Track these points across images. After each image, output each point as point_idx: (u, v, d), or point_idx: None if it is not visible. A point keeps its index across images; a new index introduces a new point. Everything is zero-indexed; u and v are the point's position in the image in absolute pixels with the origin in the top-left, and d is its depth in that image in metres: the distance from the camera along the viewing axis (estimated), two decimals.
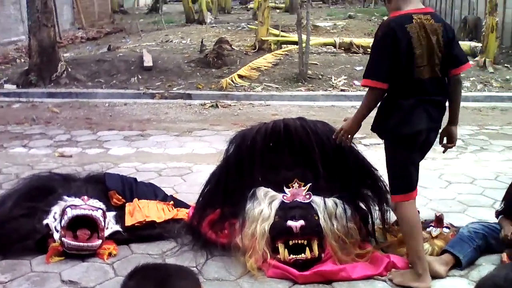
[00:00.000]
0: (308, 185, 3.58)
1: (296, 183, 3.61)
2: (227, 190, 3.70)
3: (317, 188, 3.58)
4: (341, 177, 3.66)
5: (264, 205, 3.48)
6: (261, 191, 3.57)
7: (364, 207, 3.69)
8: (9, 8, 16.97)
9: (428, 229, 3.58)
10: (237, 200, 3.63)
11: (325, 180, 3.62)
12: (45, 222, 3.67)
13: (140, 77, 10.23)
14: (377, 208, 3.70)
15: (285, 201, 3.50)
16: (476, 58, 11.18)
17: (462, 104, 8.47)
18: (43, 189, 4.04)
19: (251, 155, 3.70)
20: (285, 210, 3.43)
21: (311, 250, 3.30)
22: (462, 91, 9.15)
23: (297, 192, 3.56)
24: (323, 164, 3.64)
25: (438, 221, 3.60)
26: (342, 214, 3.47)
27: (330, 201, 3.50)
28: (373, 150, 5.92)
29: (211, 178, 3.81)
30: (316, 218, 3.39)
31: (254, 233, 3.41)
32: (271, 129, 3.75)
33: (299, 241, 3.31)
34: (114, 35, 19.05)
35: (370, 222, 3.67)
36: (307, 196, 3.52)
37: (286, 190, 3.58)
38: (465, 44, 12.46)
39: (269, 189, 3.58)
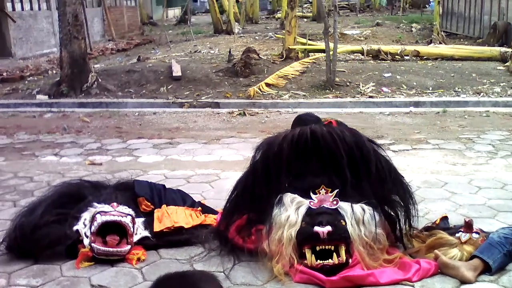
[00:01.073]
0: (335, 191, 3.57)
1: (323, 189, 3.60)
2: (254, 196, 3.71)
3: (344, 194, 3.56)
4: (368, 184, 3.64)
5: (291, 211, 3.48)
6: (288, 197, 3.56)
7: (392, 213, 3.66)
8: (42, 22, 17.38)
9: (457, 235, 3.54)
10: (263, 206, 3.63)
11: (352, 186, 3.60)
12: (75, 228, 3.72)
13: (169, 87, 10.34)
14: (404, 214, 3.66)
15: (312, 207, 3.49)
16: (507, 64, 11.03)
17: (493, 109, 8.50)
18: (74, 196, 4.11)
19: (278, 161, 3.70)
20: (312, 216, 3.42)
21: (338, 256, 3.28)
22: (493, 96, 9.15)
23: (324, 198, 3.55)
24: (350, 171, 3.62)
25: (468, 226, 3.55)
26: (370, 220, 3.44)
27: (357, 207, 3.48)
28: (401, 156, 5.89)
29: (238, 185, 3.82)
30: (344, 223, 3.38)
31: (281, 238, 3.40)
32: (298, 136, 3.74)
33: (326, 247, 3.30)
34: (143, 46, 19.33)
35: (398, 228, 3.64)
36: (334, 202, 3.50)
37: (313, 196, 3.57)
38: (495, 50, 12.35)
39: (296, 195, 3.57)
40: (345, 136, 3.68)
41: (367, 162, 3.63)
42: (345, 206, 3.48)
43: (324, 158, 3.68)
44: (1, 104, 9.79)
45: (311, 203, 3.51)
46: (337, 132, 3.72)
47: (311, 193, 3.58)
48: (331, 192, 3.57)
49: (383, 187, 3.62)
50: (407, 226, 3.64)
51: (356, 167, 3.63)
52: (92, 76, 10.25)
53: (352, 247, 3.33)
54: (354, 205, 3.47)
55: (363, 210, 3.47)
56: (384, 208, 3.61)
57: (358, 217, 3.43)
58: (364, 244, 3.35)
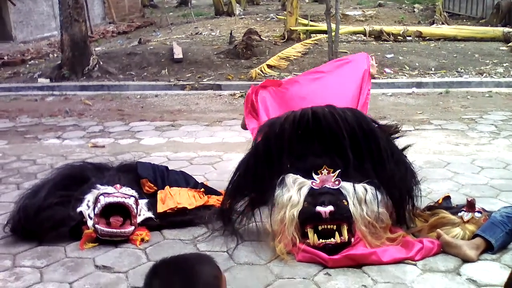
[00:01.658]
0: (337, 171, 3.57)
1: (325, 169, 3.60)
2: (256, 177, 3.71)
3: (346, 174, 3.57)
4: (371, 164, 3.63)
5: (293, 191, 3.49)
6: (290, 177, 3.57)
7: (394, 193, 3.66)
8: (42, 5, 17.29)
9: (460, 214, 3.55)
10: (266, 187, 3.64)
11: (354, 167, 3.60)
12: (79, 209, 3.74)
13: (170, 69, 10.32)
14: (407, 194, 3.66)
15: (314, 187, 3.50)
16: (510, 44, 10.98)
17: (495, 89, 8.46)
18: (77, 178, 4.12)
19: (280, 142, 3.70)
20: (314, 196, 3.43)
21: (341, 235, 3.29)
22: (496, 76, 9.10)
23: (326, 178, 3.55)
24: (353, 151, 3.62)
25: (470, 205, 3.56)
26: (372, 199, 3.45)
27: (359, 187, 3.49)
28: (404, 137, 5.87)
29: (241, 166, 3.82)
30: (346, 203, 3.39)
31: (283, 218, 3.42)
32: (299, 117, 3.73)
33: (328, 226, 3.31)
34: (144, 29, 19.23)
35: (401, 208, 3.64)
36: (336, 182, 3.51)
37: (315, 176, 3.57)
38: (498, 30, 12.27)
39: (298, 176, 3.58)
40: (347, 117, 3.67)
41: (369, 142, 3.62)
42: (347, 186, 3.48)
43: (326, 139, 3.68)
44: (3, 88, 9.79)
45: (313, 184, 3.52)
46: (339, 112, 3.70)
47: (313, 174, 3.58)
48: (333, 173, 3.57)
49: (386, 167, 3.62)
50: (410, 206, 3.65)
51: (358, 147, 3.63)
52: (93, 59, 10.23)
53: (354, 227, 3.35)
54: (356, 185, 3.48)
55: (365, 189, 3.48)
56: (386, 188, 3.61)
57: (360, 196, 3.43)
58: (366, 224, 3.37)
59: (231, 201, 3.74)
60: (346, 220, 3.32)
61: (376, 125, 3.78)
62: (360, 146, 3.63)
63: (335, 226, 3.29)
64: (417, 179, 3.69)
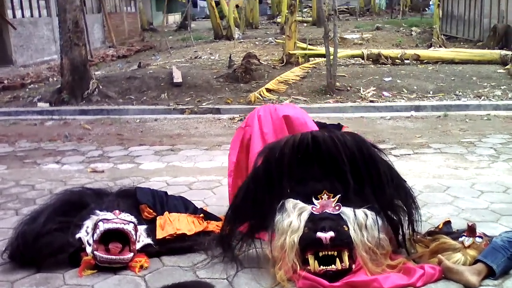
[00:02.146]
0: (338, 196, 3.56)
1: (325, 194, 3.59)
2: (256, 202, 3.70)
3: (347, 199, 3.55)
4: (371, 188, 3.63)
5: (293, 216, 3.47)
6: (290, 203, 3.56)
7: (394, 219, 3.65)
8: (42, 29, 17.44)
9: (460, 239, 3.53)
10: (266, 212, 3.62)
11: (355, 191, 3.59)
12: (77, 236, 3.72)
13: (170, 93, 10.36)
14: (407, 219, 3.65)
15: (314, 212, 3.49)
16: (507, 66, 11.04)
17: (494, 112, 8.51)
18: (76, 204, 4.10)
19: (280, 167, 3.70)
20: (315, 222, 3.42)
21: (342, 261, 3.27)
22: (494, 99, 9.15)
23: (327, 203, 3.54)
24: (353, 176, 3.61)
25: (471, 230, 3.54)
26: (373, 225, 3.43)
27: (360, 212, 3.48)
28: (403, 161, 5.89)
29: (240, 191, 3.81)
30: (346, 229, 3.37)
31: (284, 245, 3.40)
32: (299, 141, 3.74)
33: (329, 252, 3.29)
34: (144, 53, 19.38)
35: (401, 233, 3.63)
36: (337, 208, 3.49)
37: (315, 201, 3.56)
38: (495, 53, 12.36)
39: (298, 201, 3.56)
40: (346, 141, 3.67)
41: (369, 167, 3.62)
42: (347, 211, 3.47)
43: (326, 163, 3.67)
44: (2, 112, 9.81)
45: (314, 209, 3.50)
46: (338, 136, 3.71)
47: (313, 199, 3.57)
48: (333, 198, 3.56)
49: (385, 192, 3.61)
50: (410, 231, 3.64)
51: (358, 172, 3.62)
52: (93, 83, 10.27)
53: (355, 253, 3.33)
54: (357, 210, 3.47)
55: (366, 215, 3.46)
56: (386, 213, 3.60)
57: (361, 222, 3.42)
58: (367, 249, 3.35)
59: (231, 227, 3.73)
60: (347, 245, 3.30)
61: (376, 149, 3.78)
62: (360, 170, 3.63)
63: (336, 252, 3.27)
64: (416, 204, 3.68)
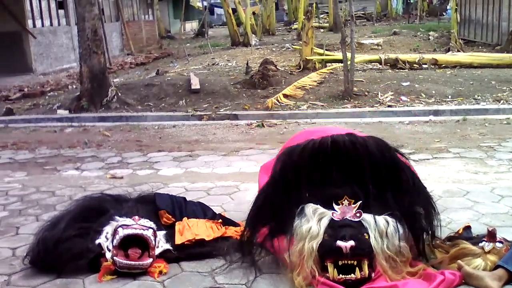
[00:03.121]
0: (359, 203, 3.51)
1: (346, 200, 3.54)
2: (275, 206, 3.68)
3: (367, 205, 3.51)
4: (392, 194, 3.58)
5: (312, 222, 3.44)
6: (310, 208, 3.52)
7: (415, 225, 3.59)
8: (61, 37, 17.66)
9: (480, 244, 3.49)
10: (285, 216, 3.61)
11: (375, 197, 3.55)
12: (97, 241, 3.75)
13: (188, 99, 10.42)
14: (427, 225, 3.60)
15: (335, 218, 3.44)
16: None
17: None
18: (95, 210, 4.14)
19: (298, 172, 3.67)
20: (335, 229, 3.37)
21: (361, 270, 3.23)
22: None
23: (347, 210, 3.49)
24: (373, 181, 3.57)
25: (491, 235, 3.51)
26: (393, 232, 3.38)
27: (381, 219, 3.43)
28: (422, 166, 5.84)
29: (259, 196, 3.80)
30: (367, 237, 3.32)
31: (302, 250, 3.38)
32: (319, 146, 3.69)
33: (349, 262, 3.25)
34: (162, 60, 19.51)
35: (422, 240, 3.57)
36: (357, 215, 3.44)
37: (336, 207, 3.52)
38: None
39: (318, 206, 3.52)
40: (368, 145, 3.62)
41: (391, 173, 3.58)
42: (368, 218, 3.42)
43: (346, 168, 3.63)
44: (23, 119, 9.94)
45: (334, 215, 3.46)
46: (360, 141, 3.65)
47: (333, 204, 3.53)
48: (354, 203, 3.51)
49: (407, 199, 3.56)
50: (429, 237, 3.59)
51: (379, 177, 3.58)
52: (112, 90, 10.37)
53: (375, 261, 3.29)
54: (378, 217, 3.42)
55: (387, 222, 3.41)
56: (407, 220, 3.54)
57: (382, 229, 3.36)
58: (387, 258, 3.30)
59: (251, 231, 3.72)
60: (367, 255, 3.26)
61: (399, 154, 3.73)
62: (381, 176, 3.58)
63: (355, 261, 3.24)
64: (437, 210, 3.64)
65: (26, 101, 11.59)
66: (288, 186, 3.66)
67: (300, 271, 3.33)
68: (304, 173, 3.64)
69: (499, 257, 3.35)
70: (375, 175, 3.56)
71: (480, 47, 17.14)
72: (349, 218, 3.41)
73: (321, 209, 3.49)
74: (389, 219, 3.42)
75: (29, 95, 12.36)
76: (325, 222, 3.42)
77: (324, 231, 3.37)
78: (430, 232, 3.58)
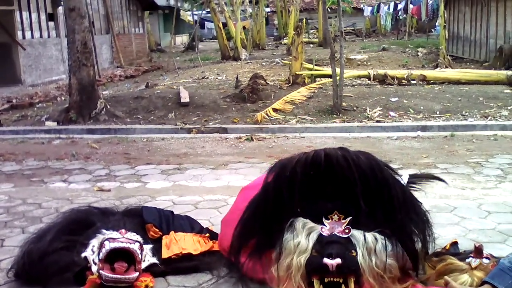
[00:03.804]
0: (348, 219, 3.49)
1: (336, 215, 3.52)
2: (264, 219, 3.66)
3: (357, 221, 3.48)
4: (383, 212, 3.56)
5: (301, 237, 3.42)
6: (300, 222, 3.50)
7: (407, 242, 3.55)
8: (51, 49, 17.61)
9: (467, 260, 3.50)
10: (274, 229, 3.58)
11: (366, 214, 3.52)
12: (83, 255, 3.72)
13: (177, 113, 10.42)
14: (420, 243, 3.57)
15: (323, 234, 3.43)
16: None
17: (501, 133, 8.49)
18: (82, 223, 4.11)
19: (291, 184, 3.64)
20: (323, 245, 3.35)
21: (347, 287, 3.23)
22: (501, 119, 9.13)
23: (337, 225, 3.47)
24: (365, 198, 3.54)
25: (478, 251, 3.52)
26: (382, 249, 3.36)
27: (370, 236, 3.40)
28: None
29: (249, 207, 3.78)
30: (354, 254, 3.29)
31: (290, 265, 3.36)
32: (312, 159, 3.67)
33: (335, 279, 3.24)
34: (151, 73, 19.52)
35: (415, 257, 3.54)
36: (346, 230, 3.42)
37: (325, 222, 3.50)
38: (501, 73, 12.38)
39: (308, 220, 3.50)
40: (360, 162, 3.59)
41: (381, 190, 3.55)
42: (357, 235, 3.39)
43: (338, 183, 3.61)
44: (11, 131, 9.88)
45: (323, 230, 3.44)
46: (352, 156, 3.63)
47: (323, 219, 3.51)
48: (344, 219, 3.49)
49: (397, 217, 3.54)
50: (422, 255, 3.57)
51: (370, 193, 3.56)
52: (101, 102, 10.35)
53: (362, 279, 3.28)
54: (367, 234, 3.39)
55: (376, 239, 3.39)
56: (398, 238, 3.51)
57: (370, 246, 3.34)
58: (374, 275, 3.28)
59: (240, 242, 3.69)
60: (354, 272, 3.25)
61: (390, 171, 3.72)
62: (372, 193, 3.56)
63: (341, 279, 3.23)
64: (431, 228, 3.63)
65: (14, 113, 11.53)
66: (279, 198, 3.63)
67: (287, 286, 3.32)
68: (296, 186, 3.62)
69: (485, 273, 3.36)
70: (367, 191, 3.53)
71: (468, 63, 17.31)
72: (338, 234, 3.39)
73: (310, 224, 3.47)
74: (378, 236, 3.40)
75: (17, 106, 12.30)
76: (313, 237, 3.41)
77: (313, 246, 3.36)
78: (423, 250, 3.56)
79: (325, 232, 3.41)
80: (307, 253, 3.34)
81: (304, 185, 3.61)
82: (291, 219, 3.51)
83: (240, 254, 3.67)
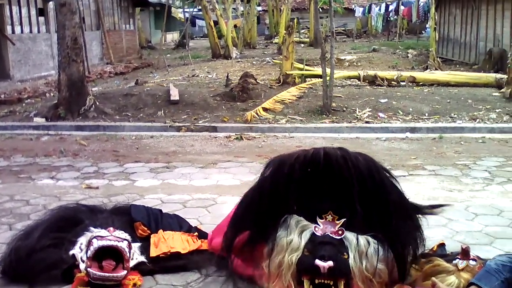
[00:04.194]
0: (342, 220, 3.46)
1: (330, 215, 3.49)
2: (258, 213, 3.62)
3: (351, 223, 3.46)
4: (378, 216, 3.54)
5: (294, 234, 3.40)
6: (294, 219, 3.46)
7: (398, 248, 3.54)
8: (40, 45, 17.49)
9: (454, 262, 3.52)
10: (267, 224, 3.55)
11: (361, 216, 3.49)
12: (71, 252, 3.71)
13: (166, 110, 10.39)
14: (411, 248, 3.58)
15: (316, 233, 3.40)
16: (502, 90, 11.12)
17: (489, 135, 8.55)
18: (70, 220, 4.10)
19: (288, 181, 3.59)
20: (315, 245, 3.32)
21: None
22: (489, 122, 9.19)
23: (330, 225, 3.44)
24: (361, 200, 3.51)
25: (465, 253, 3.54)
26: (373, 253, 3.34)
27: (362, 239, 3.37)
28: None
29: (244, 200, 3.75)
30: (346, 257, 3.27)
31: (281, 262, 3.35)
32: (311, 157, 3.63)
33: (326, 281, 3.24)
34: (141, 70, 19.45)
35: (404, 263, 3.54)
36: (340, 232, 3.40)
37: (319, 221, 3.46)
38: (490, 76, 12.46)
39: (302, 218, 3.47)
40: (359, 163, 3.55)
41: (378, 194, 3.53)
42: (350, 237, 3.36)
43: (335, 183, 3.58)
44: None
45: (316, 229, 3.41)
46: (351, 157, 3.58)
47: (317, 218, 3.48)
48: (338, 220, 3.46)
49: (392, 222, 3.52)
50: (412, 259, 3.57)
51: (367, 196, 3.53)
52: (90, 99, 10.29)
53: (352, 282, 3.28)
54: (360, 237, 3.37)
55: (368, 242, 3.36)
56: (390, 243, 3.49)
57: (362, 250, 3.32)
58: (364, 279, 3.28)
59: (233, 233, 3.66)
60: (345, 276, 3.25)
61: (388, 175, 3.70)
62: (369, 196, 3.53)
63: (332, 281, 3.23)
64: (423, 236, 3.63)
65: (2, 108, 11.45)
66: (275, 193, 3.59)
67: (277, 283, 3.32)
68: (293, 183, 3.58)
69: (472, 275, 3.38)
70: (363, 193, 3.50)
71: (457, 66, 17.41)
72: (331, 235, 3.36)
73: (304, 222, 3.44)
74: (371, 239, 3.38)
75: (5, 101, 12.21)
76: (306, 235, 3.39)
77: (305, 245, 3.34)
78: (413, 257, 3.56)
79: (318, 231, 3.38)
80: (298, 252, 3.33)
81: (301, 183, 3.58)
82: (286, 215, 3.49)
83: (232, 245, 3.64)
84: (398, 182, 3.69)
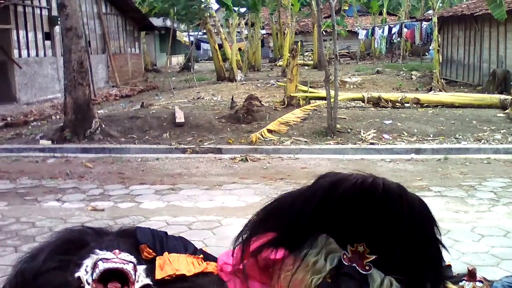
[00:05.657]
0: (374, 256, 3.36)
1: (363, 247, 3.37)
2: (292, 220, 3.49)
3: (381, 262, 3.35)
4: (412, 265, 3.42)
5: (321, 256, 3.31)
6: (323, 238, 3.37)
7: None
8: (47, 68, 17.64)
9: (460, 283, 3.48)
10: (300, 235, 3.43)
11: (396, 260, 3.36)
12: (76, 275, 3.68)
13: (172, 133, 10.43)
14: None
15: (343, 261, 3.31)
16: (507, 111, 11.14)
17: (494, 156, 8.53)
18: (76, 243, 4.08)
19: (338, 201, 3.47)
20: (338, 274, 3.24)
21: None
22: (494, 143, 9.15)
23: (359, 257, 3.33)
24: (403, 246, 3.39)
25: (471, 275, 3.50)
26: None
27: (387, 280, 3.29)
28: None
29: (283, 200, 3.61)
30: None
31: (303, 281, 3.28)
32: (369, 185, 3.49)
33: None
34: (147, 93, 19.55)
35: None
36: (367, 268, 3.30)
37: (349, 248, 3.35)
38: (495, 97, 12.49)
39: (332, 240, 3.38)
40: (414, 208, 3.43)
41: (422, 247, 3.43)
42: (375, 276, 3.26)
43: (382, 219, 3.45)
44: (5, 149, 9.86)
45: (344, 256, 3.31)
46: (408, 199, 3.45)
47: (348, 245, 3.35)
48: (368, 254, 3.35)
49: (422, 275, 3.42)
50: None
51: (409, 244, 3.40)
52: (96, 122, 10.35)
53: None
54: (385, 277, 3.28)
55: (391, 284, 3.29)
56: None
57: None
58: None
59: (257, 228, 3.54)
60: None
61: (436, 228, 3.62)
62: (412, 244, 3.42)
63: None
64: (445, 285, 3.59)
65: (9, 131, 11.52)
66: (320, 206, 3.46)
67: None
68: (343, 206, 3.44)
69: None
70: (408, 240, 3.38)
71: (461, 87, 17.45)
72: (357, 267, 3.27)
73: (334, 245, 3.32)
74: (395, 282, 3.28)
75: (12, 124, 12.28)
76: (332, 260, 3.29)
77: (329, 270, 3.25)
78: None
79: (346, 260, 3.26)
80: (320, 275, 3.25)
81: (349, 206, 3.46)
82: (318, 232, 3.38)
83: (250, 241, 3.52)
84: (441, 234, 3.65)
